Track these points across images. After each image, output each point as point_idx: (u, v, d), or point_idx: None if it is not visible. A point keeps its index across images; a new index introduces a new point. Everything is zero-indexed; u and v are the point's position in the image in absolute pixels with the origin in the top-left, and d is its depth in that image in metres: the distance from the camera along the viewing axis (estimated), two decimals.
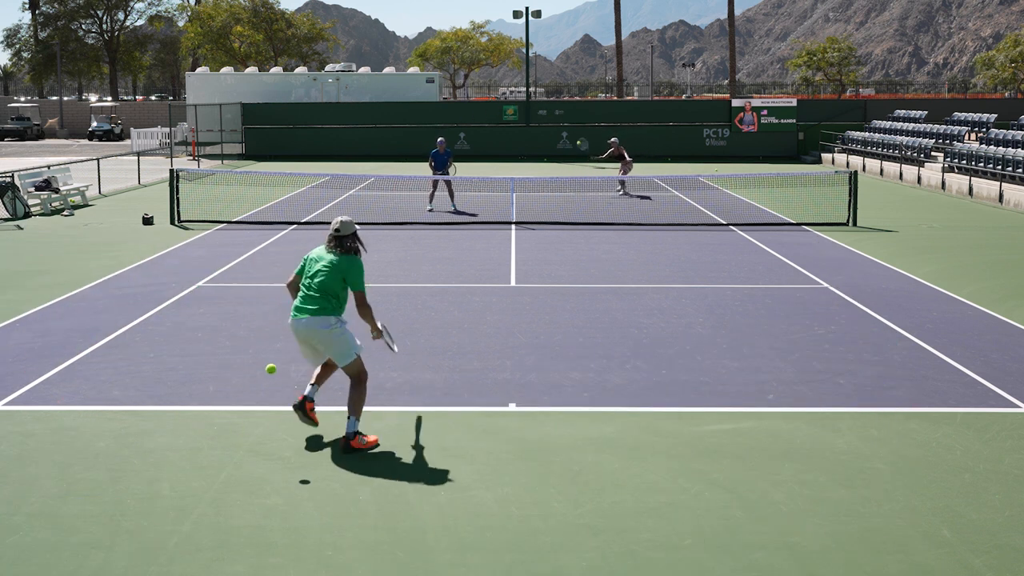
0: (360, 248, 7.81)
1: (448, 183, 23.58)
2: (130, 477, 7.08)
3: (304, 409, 7.72)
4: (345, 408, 7.91)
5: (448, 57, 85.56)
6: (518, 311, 12.45)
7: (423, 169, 36.40)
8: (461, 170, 35.58)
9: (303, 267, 7.88)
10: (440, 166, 23.65)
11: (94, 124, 62.07)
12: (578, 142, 25.88)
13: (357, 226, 7.85)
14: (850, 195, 21.16)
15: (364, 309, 7.74)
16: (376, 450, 7.62)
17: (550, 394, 9.04)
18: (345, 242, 7.70)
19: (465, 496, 6.75)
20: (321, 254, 7.79)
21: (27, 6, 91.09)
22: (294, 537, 6.12)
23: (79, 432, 8.00)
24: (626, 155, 27.80)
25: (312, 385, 7.87)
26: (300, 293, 7.78)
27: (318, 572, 5.70)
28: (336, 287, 7.64)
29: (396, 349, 8.20)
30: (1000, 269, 15.72)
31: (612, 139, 28.06)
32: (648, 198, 26.46)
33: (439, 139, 24.09)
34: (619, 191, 27.15)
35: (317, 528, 6.25)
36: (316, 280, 7.66)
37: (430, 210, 23.47)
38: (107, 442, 7.78)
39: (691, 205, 24.84)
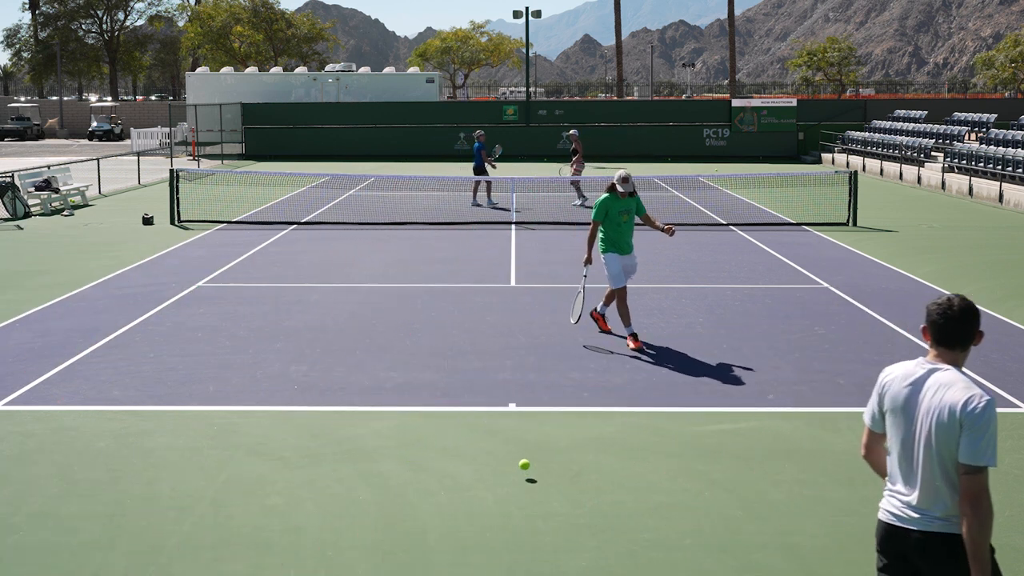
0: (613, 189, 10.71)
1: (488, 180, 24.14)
2: (130, 477, 7.08)
3: (596, 319, 11.32)
4: (346, 408, 8.16)
5: (448, 57, 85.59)
6: (518, 311, 12.45)
7: (423, 169, 36.40)
8: (460, 169, 35.55)
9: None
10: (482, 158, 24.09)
11: (94, 124, 62.07)
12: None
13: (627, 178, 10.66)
14: (850, 195, 21.15)
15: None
16: (375, 450, 7.62)
17: (550, 394, 9.04)
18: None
19: (465, 496, 6.75)
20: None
21: (27, 6, 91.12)
22: (294, 537, 6.12)
23: (79, 432, 8.01)
24: (580, 151, 24.77)
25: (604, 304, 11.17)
26: (621, 234, 10.76)
27: (318, 572, 5.70)
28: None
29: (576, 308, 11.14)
30: (1000, 269, 15.71)
31: (572, 131, 25.21)
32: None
33: (478, 131, 24.89)
34: (577, 203, 24.33)
35: (317, 528, 6.25)
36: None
37: (493, 205, 23.99)
38: (107, 442, 7.78)
39: (691, 205, 24.84)
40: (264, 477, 7.08)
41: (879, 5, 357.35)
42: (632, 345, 10.50)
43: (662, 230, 11.06)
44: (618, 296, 10.67)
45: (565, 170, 25.50)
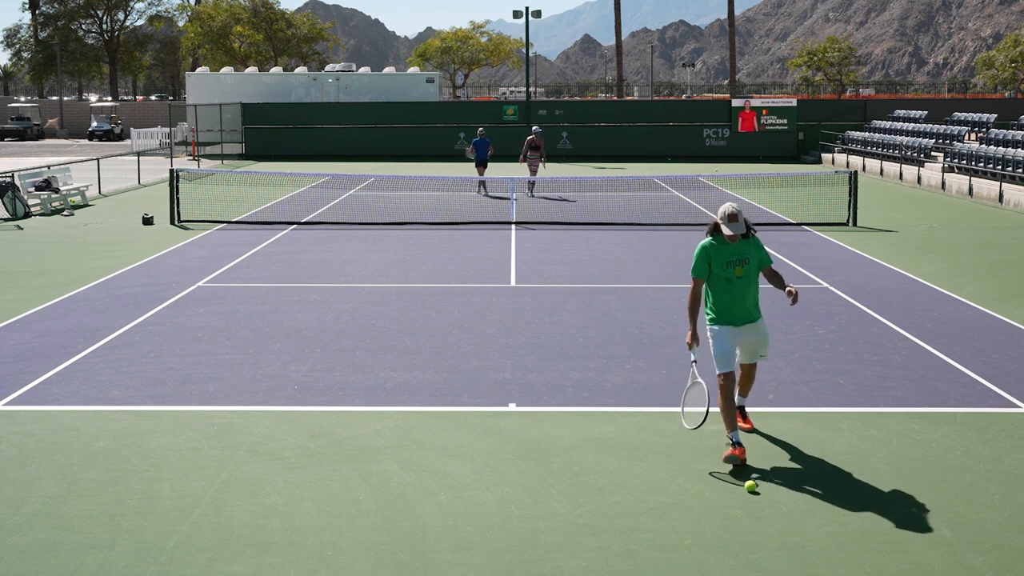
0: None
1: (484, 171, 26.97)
2: (130, 477, 7.08)
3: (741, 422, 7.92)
4: (346, 408, 8.08)
5: (448, 57, 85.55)
6: (518, 311, 12.45)
7: (423, 169, 36.39)
8: (459, 169, 35.55)
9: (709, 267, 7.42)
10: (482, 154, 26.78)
11: (94, 124, 62.05)
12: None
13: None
14: (850, 195, 21.16)
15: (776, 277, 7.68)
16: (375, 450, 7.62)
17: (550, 394, 9.04)
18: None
19: (465, 496, 6.75)
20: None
21: (27, 6, 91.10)
22: (294, 537, 6.12)
23: (79, 432, 8.01)
24: (540, 150, 27.15)
25: (741, 396, 7.93)
26: (734, 296, 7.34)
27: (318, 572, 5.70)
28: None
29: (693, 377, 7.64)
30: (1000, 269, 15.72)
31: (535, 127, 27.63)
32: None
33: (480, 129, 28.04)
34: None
35: (317, 528, 6.25)
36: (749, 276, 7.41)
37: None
38: (107, 442, 7.78)
39: (691, 205, 24.84)
40: (264, 477, 7.08)
41: (879, 5, 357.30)
42: (732, 453, 7.21)
43: (788, 292, 7.48)
44: (724, 385, 7.32)
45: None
